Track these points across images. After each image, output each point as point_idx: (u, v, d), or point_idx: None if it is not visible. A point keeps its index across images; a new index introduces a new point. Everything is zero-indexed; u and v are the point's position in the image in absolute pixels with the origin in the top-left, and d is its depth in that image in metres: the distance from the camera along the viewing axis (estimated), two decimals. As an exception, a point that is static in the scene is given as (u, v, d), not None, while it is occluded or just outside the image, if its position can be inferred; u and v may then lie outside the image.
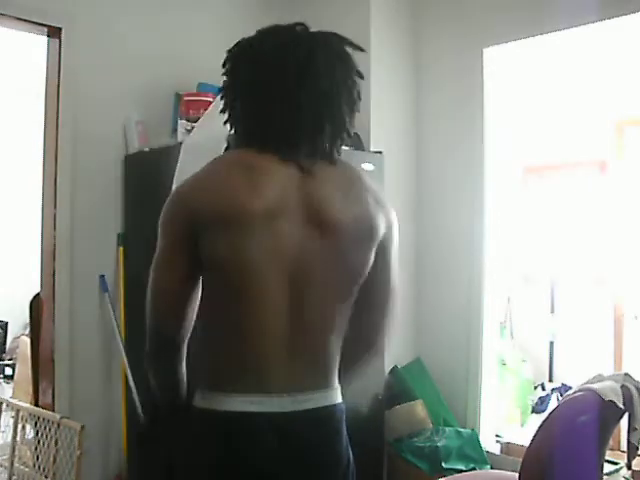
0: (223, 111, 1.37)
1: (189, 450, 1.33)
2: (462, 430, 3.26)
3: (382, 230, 1.36)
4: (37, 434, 2.69)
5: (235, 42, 1.37)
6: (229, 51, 1.37)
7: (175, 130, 2.99)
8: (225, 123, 1.38)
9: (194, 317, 1.32)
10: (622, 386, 2.22)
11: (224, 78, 1.37)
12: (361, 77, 1.38)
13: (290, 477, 1.29)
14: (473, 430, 3.31)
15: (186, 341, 1.34)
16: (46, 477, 2.59)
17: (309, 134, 1.31)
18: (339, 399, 1.37)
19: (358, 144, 3.25)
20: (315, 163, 1.31)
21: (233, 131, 1.38)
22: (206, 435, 1.30)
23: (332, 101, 1.31)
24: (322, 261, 1.29)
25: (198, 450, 1.31)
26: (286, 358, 1.28)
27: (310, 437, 1.30)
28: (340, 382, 1.40)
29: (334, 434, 1.35)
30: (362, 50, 1.40)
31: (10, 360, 5.32)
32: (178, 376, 1.39)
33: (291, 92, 1.28)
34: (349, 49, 1.40)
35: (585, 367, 3.43)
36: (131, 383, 2.87)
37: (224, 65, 1.36)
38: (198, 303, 1.32)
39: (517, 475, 2.11)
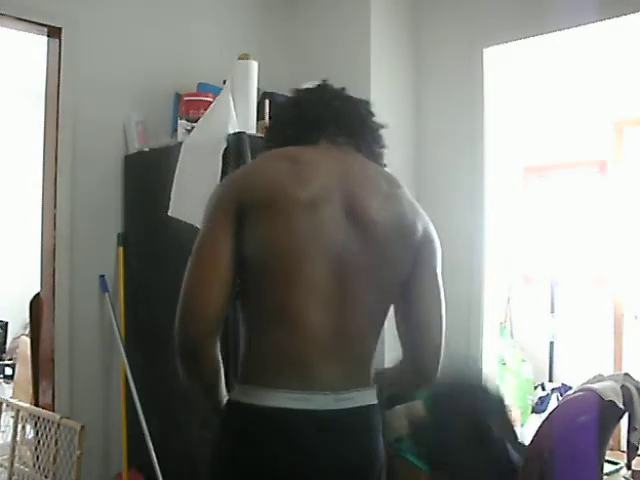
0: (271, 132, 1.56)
1: (228, 446, 1.30)
2: (462, 430, 3.26)
3: (419, 234, 1.38)
4: (37, 434, 2.69)
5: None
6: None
7: (175, 130, 2.99)
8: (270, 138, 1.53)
9: (226, 306, 1.28)
10: (622, 386, 2.22)
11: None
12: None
13: (332, 474, 1.28)
14: (473, 430, 3.31)
15: (219, 330, 1.29)
16: (46, 477, 2.59)
17: (334, 119, 1.48)
18: (376, 399, 1.37)
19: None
20: (344, 140, 1.44)
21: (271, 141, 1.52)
22: (248, 431, 1.27)
23: (351, 110, 1.54)
24: (363, 258, 1.30)
25: (238, 446, 1.28)
26: (331, 354, 1.28)
27: (352, 436, 1.30)
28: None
29: (375, 433, 1.36)
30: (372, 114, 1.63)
31: (10, 360, 5.32)
32: (218, 368, 1.35)
33: (319, 102, 1.52)
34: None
35: (585, 367, 3.43)
36: (131, 383, 2.87)
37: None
38: (233, 293, 1.30)
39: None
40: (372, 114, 1.58)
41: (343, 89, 1.58)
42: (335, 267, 1.28)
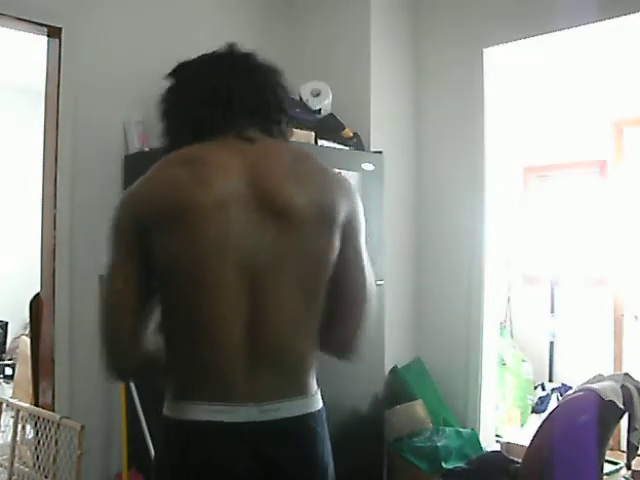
0: (164, 128, 1.40)
1: (160, 459, 1.29)
2: (462, 430, 3.26)
3: (344, 211, 1.27)
4: (37, 434, 2.69)
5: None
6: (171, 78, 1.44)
7: (175, 130, 2.99)
8: (164, 138, 1.40)
9: (144, 330, 1.28)
10: (622, 386, 2.22)
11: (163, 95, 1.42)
12: (285, 86, 1.43)
13: None
14: (473, 430, 3.31)
15: (141, 350, 1.29)
16: (46, 477, 2.59)
17: (241, 109, 1.33)
18: (316, 406, 1.29)
19: (358, 144, 3.25)
20: (255, 134, 1.32)
21: (169, 141, 1.39)
22: (173, 445, 1.24)
23: (264, 89, 1.37)
24: (281, 249, 1.21)
25: (167, 460, 1.25)
26: (249, 362, 1.20)
27: (282, 450, 1.22)
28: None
29: (309, 446, 1.26)
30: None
31: (10, 360, 5.32)
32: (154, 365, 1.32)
33: (219, 86, 1.34)
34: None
35: (585, 367, 3.43)
36: (131, 383, 2.86)
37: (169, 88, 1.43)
38: (154, 312, 1.29)
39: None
40: (282, 87, 1.41)
41: (249, 55, 1.40)
42: (250, 270, 1.19)
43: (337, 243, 1.27)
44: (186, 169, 1.22)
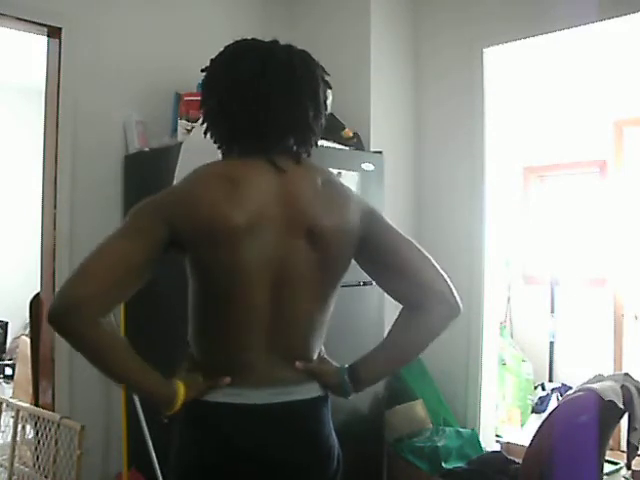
0: (204, 121, 1.43)
1: (180, 437, 1.40)
2: (462, 430, 3.26)
3: (357, 224, 1.37)
4: (37, 434, 2.69)
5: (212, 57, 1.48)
6: (207, 67, 1.48)
7: (175, 130, 2.99)
8: (205, 133, 1.43)
9: (113, 306, 1.29)
10: (622, 386, 2.22)
11: (203, 90, 1.46)
12: (329, 87, 1.48)
13: (272, 462, 1.34)
14: (473, 430, 3.31)
15: (98, 320, 1.23)
16: (46, 477, 2.59)
17: (278, 133, 1.36)
18: (321, 392, 1.42)
19: (358, 144, 3.25)
20: (287, 161, 1.36)
21: (212, 138, 1.42)
22: (194, 423, 1.37)
23: (298, 107, 1.37)
24: (304, 266, 1.34)
25: (188, 437, 1.38)
26: (267, 355, 1.35)
27: (290, 426, 1.36)
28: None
29: (315, 424, 1.40)
30: (327, 75, 1.52)
31: (10, 360, 5.32)
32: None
33: (262, 99, 1.34)
34: (318, 65, 1.50)
35: (585, 367, 3.43)
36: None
37: (205, 80, 1.46)
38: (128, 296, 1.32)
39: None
40: (323, 102, 1.43)
41: (291, 61, 1.43)
42: (275, 286, 1.32)
43: (352, 254, 1.39)
44: (225, 188, 1.29)
